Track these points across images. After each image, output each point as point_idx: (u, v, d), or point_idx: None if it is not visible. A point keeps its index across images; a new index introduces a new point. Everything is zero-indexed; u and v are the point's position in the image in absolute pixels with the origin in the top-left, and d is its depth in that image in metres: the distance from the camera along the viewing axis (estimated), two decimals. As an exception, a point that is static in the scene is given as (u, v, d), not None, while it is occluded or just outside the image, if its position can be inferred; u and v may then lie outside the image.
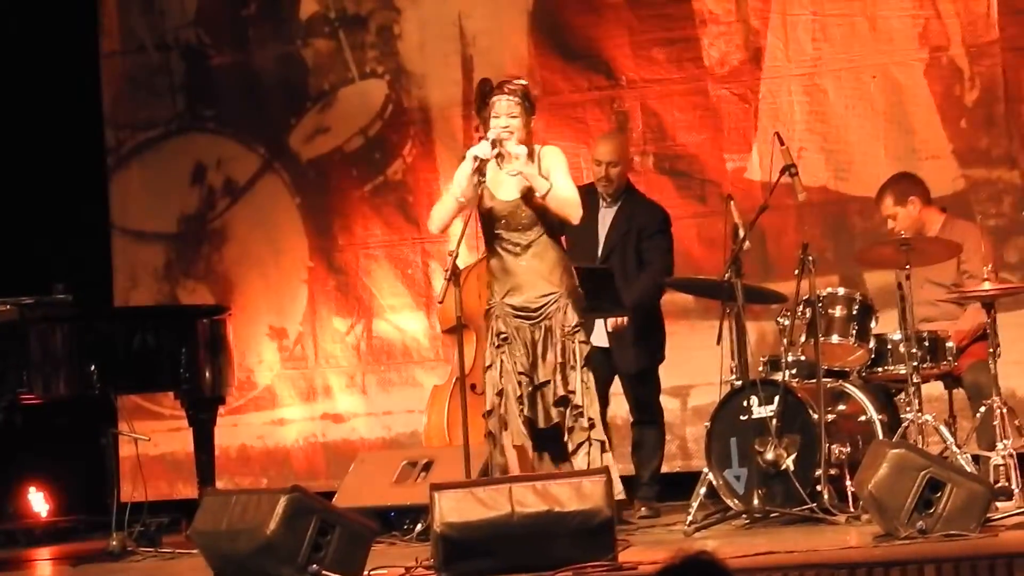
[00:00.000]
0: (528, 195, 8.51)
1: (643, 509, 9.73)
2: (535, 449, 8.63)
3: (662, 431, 9.98)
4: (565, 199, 8.52)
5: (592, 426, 8.52)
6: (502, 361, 8.63)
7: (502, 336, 8.62)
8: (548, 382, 8.53)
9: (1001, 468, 8.58)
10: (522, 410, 8.56)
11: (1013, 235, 10.16)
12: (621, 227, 9.88)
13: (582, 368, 8.53)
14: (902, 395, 9.08)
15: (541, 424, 8.58)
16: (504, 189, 8.61)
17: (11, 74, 11.62)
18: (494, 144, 8.54)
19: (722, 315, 9.46)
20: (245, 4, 12.13)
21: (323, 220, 11.91)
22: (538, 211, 8.54)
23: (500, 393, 8.61)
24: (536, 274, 8.64)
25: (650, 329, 9.84)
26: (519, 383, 8.56)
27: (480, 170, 8.47)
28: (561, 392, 8.51)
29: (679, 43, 11.18)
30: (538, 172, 8.59)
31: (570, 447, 8.50)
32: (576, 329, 8.55)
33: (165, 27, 12.25)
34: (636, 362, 9.83)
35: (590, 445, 8.49)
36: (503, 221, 8.61)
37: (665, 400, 9.91)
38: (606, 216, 9.92)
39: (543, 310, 8.58)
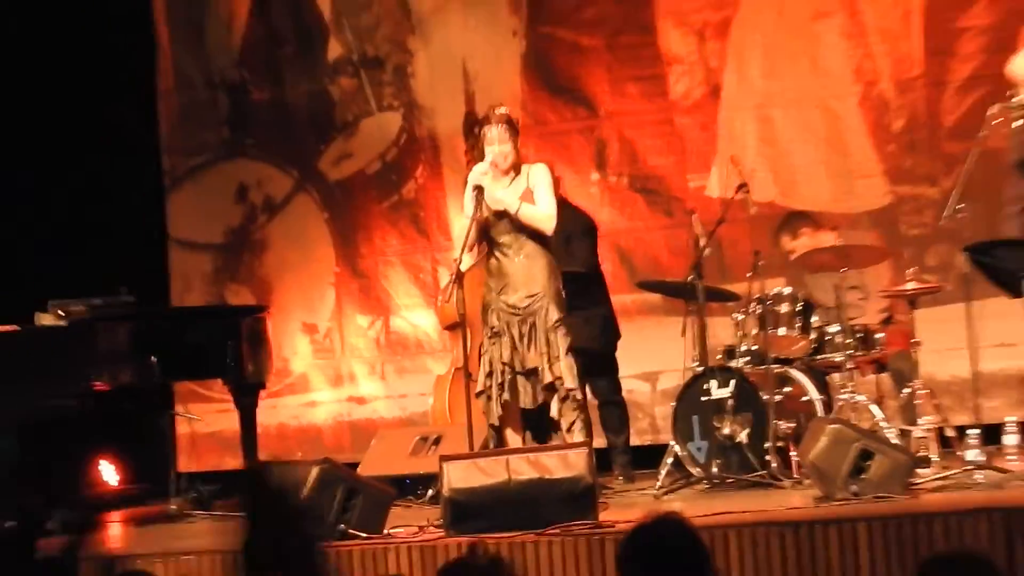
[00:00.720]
0: (504, 212, 8.55)
1: (619, 475, 9.76)
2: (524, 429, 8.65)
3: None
4: (534, 216, 8.49)
5: (580, 407, 8.58)
6: (491, 352, 8.68)
7: (494, 330, 8.62)
8: (536, 368, 8.50)
9: (922, 440, 8.57)
10: (501, 394, 8.57)
11: (933, 243, 10.17)
12: None
13: (566, 355, 8.50)
14: (838, 378, 9.13)
15: (528, 405, 8.54)
16: (501, 197, 8.60)
17: (84, 110, 11.61)
18: (492, 166, 8.59)
19: (686, 312, 9.50)
20: (280, 47, 12.11)
21: (347, 232, 11.90)
22: (515, 223, 8.56)
23: (490, 375, 8.64)
24: (526, 275, 8.58)
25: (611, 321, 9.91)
26: (501, 371, 8.56)
27: (479, 192, 8.50)
28: (548, 379, 8.48)
29: (649, 80, 11.17)
30: (526, 185, 8.57)
31: (564, 425, 8.47)
32: (558, 324, 8.50)
33: (212, 68, 12.23)
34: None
35: (583, 424, 8.55)
36: (495, 228, 8.64)
37: (637, 384, 9.94)
38: None
39: (529, 307, 8.54)
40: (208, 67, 12.25)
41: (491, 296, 8.68)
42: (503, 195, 8.52)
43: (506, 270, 8.65)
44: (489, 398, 8.62)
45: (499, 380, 8.56)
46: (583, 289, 9.43)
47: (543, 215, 8.54)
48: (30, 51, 11.72)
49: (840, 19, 10.78)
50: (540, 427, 8.63)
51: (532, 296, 8.57)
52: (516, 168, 8.64)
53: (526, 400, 8.58)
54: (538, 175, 8.66)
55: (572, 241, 9.65)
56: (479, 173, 8.54)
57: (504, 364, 8.56)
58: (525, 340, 8.57)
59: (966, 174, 8.49)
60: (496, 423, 8.61)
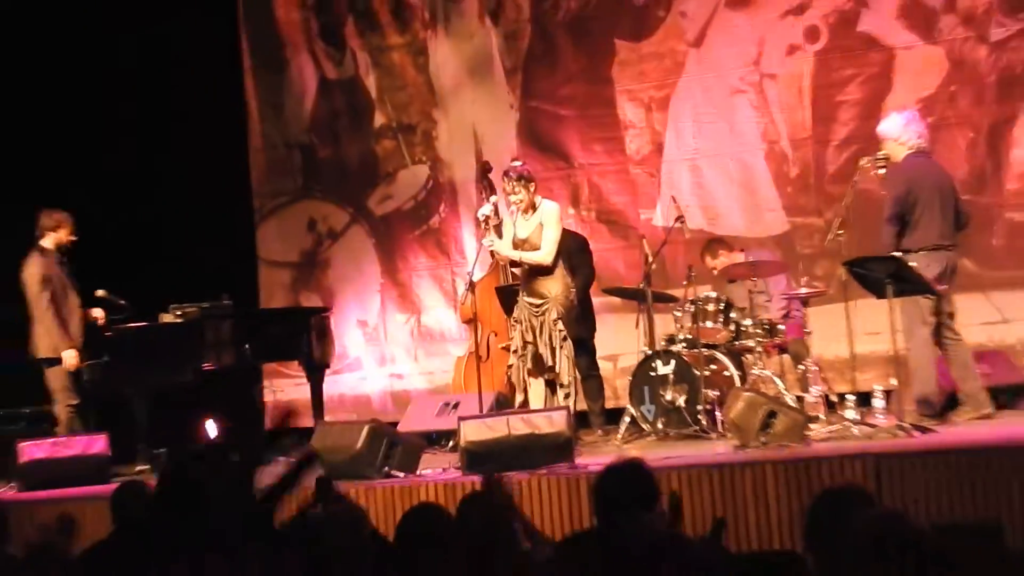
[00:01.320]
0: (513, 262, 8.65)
1: (599, 431, 9.70)
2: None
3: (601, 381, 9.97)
4: (533, 259, 8.52)
5: (568, 395, 8.54)
6: (513, 337, 8.68)
7: (515, 319, 8.65)
8: (544, 354, 8.54)
9: (813, 404, 8.53)
10: (523, 365, 8.58)
11: (820, 259, 10.10)
12: None
13: (563, 343, 8.51)
14: (750, 358, 9.08)
15: (540, 375, 8.57)
16: (505, 254, 8.69)
17: (198, 164, 11.60)
18: (509, 210, 8.59)
19: (638, 310, 9.45)
20: (339, 118, 12.04)
21: (389, 253, 11.82)
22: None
23: (514, 351, 8.63)
24: (537, 283, 8.61)
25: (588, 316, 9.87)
26: (523, 349, 8.56)
27: (487, 223, 8.51)
28: (550, 363, 8.51)
29: (610, 140, 11.08)
30: (540, 220, 8.54)
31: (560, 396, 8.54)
32: (556, 321, 8.51)
33: (288, 133, 12.16)
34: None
35: (571, 394, 8.56)
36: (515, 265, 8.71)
37: (603, 363, 9.85)
38: None
39: (539, 308, 8.56)
40: (286, 132, 12.19)
41: (521, 296, 8.70)
42: (506, 251, 8.57)
43: (526, 278, 8.69)
44: (511, 367, 8.69)
45: (520, 355, 8.58)
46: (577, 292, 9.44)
47: (541, 257, 8.56)
48: (160, 127, 11.69)
49: (750, 95, 10.71)
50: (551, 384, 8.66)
51: (542, 300, 8.57)
52: (532, 206, 8.62)
53: (538, 372, 8.59)
54: (549, 213, 8.66)
55: (573, 256, 9.63)
56: (485, 212, 8.58)
57: (527, 343, 8.56)
58: (536, 331, 8.57)
59: (844, 208, 8.49)
60: (522, 383, 8.62)
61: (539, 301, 8.57)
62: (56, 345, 9.40)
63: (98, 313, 9.60)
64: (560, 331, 8.55)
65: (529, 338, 8.57)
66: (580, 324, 9.49)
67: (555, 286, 8.61)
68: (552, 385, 8.61)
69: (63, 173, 11.28)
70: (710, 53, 10.79)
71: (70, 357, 9.41)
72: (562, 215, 8.87)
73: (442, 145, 11.69)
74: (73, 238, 9.60)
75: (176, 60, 11.62)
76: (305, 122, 12.14)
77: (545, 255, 8.57)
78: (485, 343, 9.71)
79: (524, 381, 8.63)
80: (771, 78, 10.63)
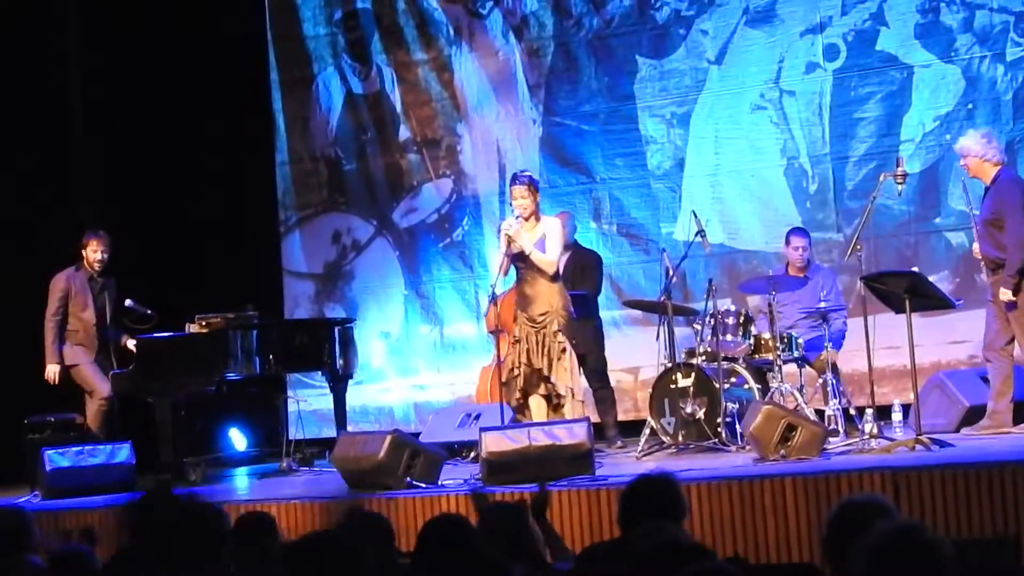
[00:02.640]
0: (522, 252, 8.51)
1: (618, 443, 9.65)
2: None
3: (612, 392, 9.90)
4: (540, 260, 8.48)
5: (559, 406, 8.50)
6: (511, 355, 8.62)
7: (516, 339, 8.61)
8: (541, 368, 8.48)
9: (832, 417, 8.53)
10: (518, 385, 8.52)
11: (840, 273, 10.03)
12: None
13: (561, 354, 8.44)
14: (771, 372, 9.04)
15: (540, 392, 8.53)
16: (519, 241, 8.58)
17: (225, 178, 11.66)
18: (517, 218, 8.58)
19: (659, 323, 9.41)
20: (365, 132, 12.02)
21: (413, 265, 11.78)
22: (530, 263, 8.54)
23: (511, 370, 8.58)
24: (538, 297, 8.57)
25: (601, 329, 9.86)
26: (520, 368, 8.51)
27: (508, 237, 8.50)
28: (547, 374, 8.46)
29: (632, 155, 11.06)
30: (542, 233, 8.53)
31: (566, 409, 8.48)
32: (556, 332, 8.47)
33: (315, 145, 12.15)
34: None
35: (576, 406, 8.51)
36: (519, 264, 8.63)
37: (623, 375, 9.86)
38: None
39: (541, 320, 8.52)
40: (312, 146, 12.17)
41: (518, 312, 8.64)
42: (524, 242, 8.50)
43: (527, 293, 8.63)
44: (506, 384, 8.60)
45: (516, 375, 8.52)
46: (587, 306, 9.41)
47: (546, 261, 8.53)
48: (188, 140, 11.71)
49: (770, 112, 10.70)
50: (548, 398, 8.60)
51: (543, 313, 8.52)
52: (536, 216, 8.62)
53: (537, 389, 8.54)
54: (551, 227, 8.65)
55: (585, 271, 9.67)
56: (507, 223, 8.55)
57: (523, 363, 8.49)
58: (536, 347, 8.52)
59: (862, 224, 8.44)
60: (515, 404, 8.57)
61: (539, 315, 8.53)
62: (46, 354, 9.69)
63: (131, 345, 9.73)
64: (560, 343, 8.49)
65: (525, 360, 8.51)
66: (591, 336, 9.51)
67: (556, 299, 8.58)
68: (549, 399, 8.56)
69: (100, 188, 11.44)
70: (731, 70, 10.79)
71: (49, 371, 9.69)
72: (564, 231, 8.86)
73: (466, 159, 11.66)
74: (98, 256, 9.71)
75: (204, 75, 11.63)
76: (331, 136, 12.13)
77: (551, 260, 8.55)
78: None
79: (519, 400, 8.58)
80: (791, 95, 10.63)
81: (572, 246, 9.74)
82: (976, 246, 8.41)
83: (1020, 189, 8.26)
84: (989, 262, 8.30)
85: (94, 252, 9.73)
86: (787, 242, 9.53)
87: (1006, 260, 8.14)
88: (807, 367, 9.25)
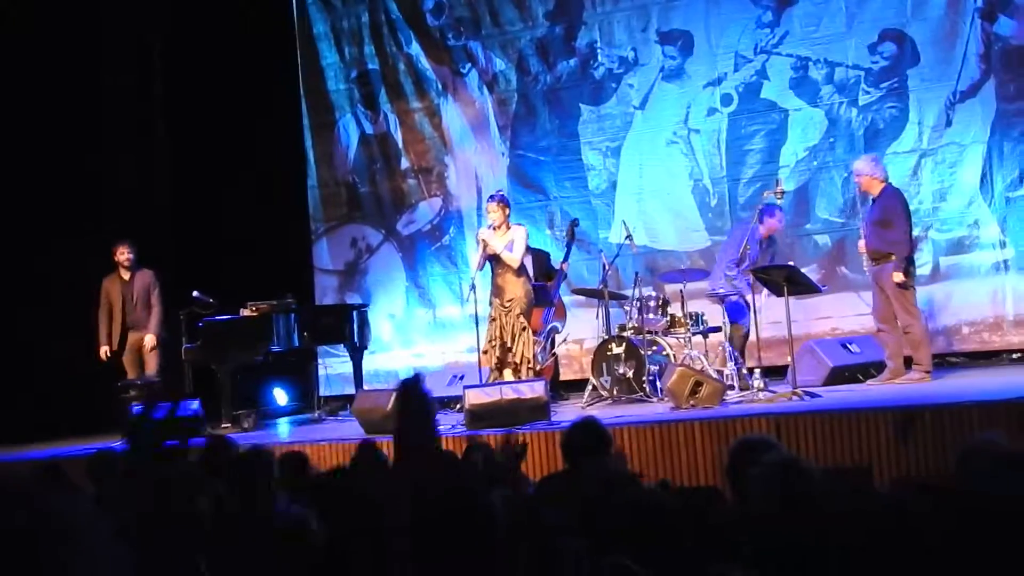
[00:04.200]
0: (495, 253, 8.50)
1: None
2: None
3: None
4: (507, 258, 8.53)
5: (517, 369, 8.49)
6: (489, 329, 8.61)
7: (491, 318, 8.61)
8: (506, 340, 8.50)
9: (729, 375, 8.52)
10: (495, 353, 8.53)
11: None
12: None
13: (521, 332, 8.50)
14: (682, 341, 9.00)
15: (509, 360, 8.53)
16: (493, 244, 8.57)
17: (270, 197, 11.60)
18: (489, 227, 8.57)
19: (599, 305, 9.39)
20: (375, 163, 11.96)
21: (412, 264, 11.71)
22: (500, 260, 8.56)
23: (490, 341, 8.57)
24: (507, 286, 8.58)
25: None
26: (495, 340, 8.53)
27: (484, 243, 8.49)
28: (509, 345, 8.48)
29: (577, 179, 11.00)
30: (511, 237, 8.54)
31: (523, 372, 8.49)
32: (519, 315, 8.50)
33: (337, 173, 12.08)
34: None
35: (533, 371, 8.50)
36: (494, 258, 8.59)
37: (572, 346, 9.79)
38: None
39: (508, 305, 8.54)
40: (335, 174, 12.12)
41: (493, 298, 8.63)
42: (495, 244, 8.49)
43: (499, 284, 8.66)
44: (486, 352, 8.61)
45: (493, 344, 8.53)
46: (544, 295, 9.37)
47: (511, 259, 8.56)
48: (241, 171, 11.63)
49: (681, 145, 10.66)
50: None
51: (510, 300, 8.50)
52: (507, 225, 8.63)
53: (506, 358, 8.53)
54: (517, 233, 8.66)
55: (543, 266, 9.58)
56: (483, 231, 8.55)
57: (496, 337, 8.52)
58: (505, 325, 8.53)
59: (750, 229, 8.41)
60: (492, 367, 8.57)
61: (507, 301, 8.56)
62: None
63: (147, 342, 9.63)
64: (521, 323, 8.54)
65: (497, 334, 8.52)
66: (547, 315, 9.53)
67: (519, 289, 8.60)
68: (515, 367, 8.54)
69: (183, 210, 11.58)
70: (651, 114, 10.75)
71: (102, 352, 9.60)
72: (526, 236, 8.83)
73: (452, 183, 11.62)
74: (120, 260, 9.63)
75: (255, 120, 11.59)
76: (349, 166, 12.07)
77: (516, 258, 8.59)
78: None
79: (494, 364, 8.58)
80: (696, 132, 10.59)
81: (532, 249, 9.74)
82: (862, 243, 8.35)
83: (901, 199, 8.25)
84: (875, 254, 8.26)
85: (120, 255, 9.64)
86: (772, 215, 8.93)
87: (894, 252, 8.08)
88: (709, 337, 9.23)
